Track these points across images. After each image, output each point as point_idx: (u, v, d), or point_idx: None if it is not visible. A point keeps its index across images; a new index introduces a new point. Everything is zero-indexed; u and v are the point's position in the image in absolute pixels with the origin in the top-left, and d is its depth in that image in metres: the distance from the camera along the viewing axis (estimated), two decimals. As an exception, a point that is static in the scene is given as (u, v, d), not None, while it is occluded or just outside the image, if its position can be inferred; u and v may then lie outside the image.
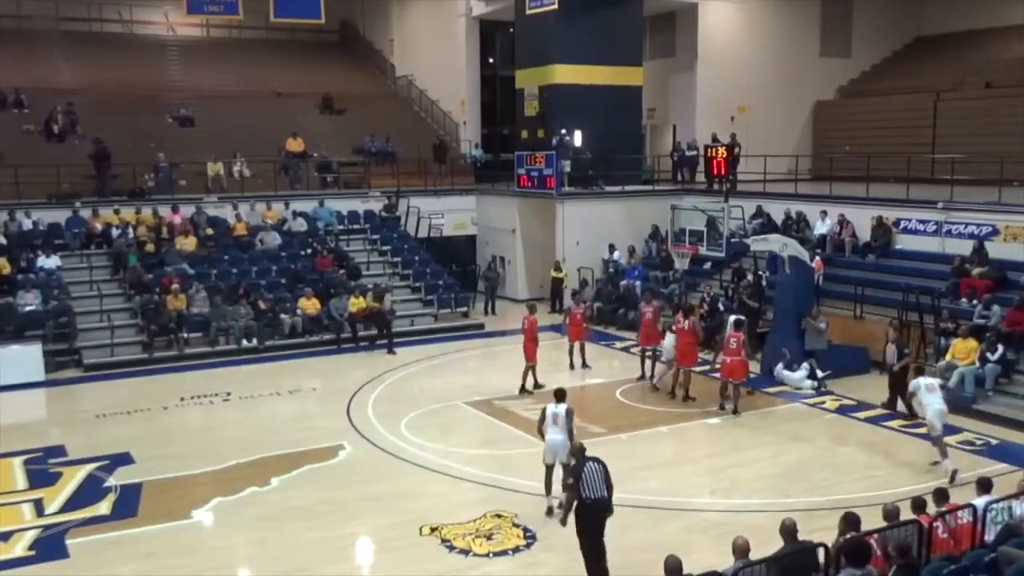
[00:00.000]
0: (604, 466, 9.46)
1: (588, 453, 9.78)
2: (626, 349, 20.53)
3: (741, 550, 7.73)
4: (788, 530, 8.04)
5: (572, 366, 18.77)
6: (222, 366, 19.64)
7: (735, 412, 15.48)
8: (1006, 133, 24.27)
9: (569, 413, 11.43)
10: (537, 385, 17.10)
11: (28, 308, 19.68)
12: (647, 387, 17.42)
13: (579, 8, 25.90)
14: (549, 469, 11.46)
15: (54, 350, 19.21)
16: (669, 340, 16.76)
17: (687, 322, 16.46)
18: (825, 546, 7.87)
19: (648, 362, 17.84)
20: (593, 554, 9.24)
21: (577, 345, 18.85)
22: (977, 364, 15.84)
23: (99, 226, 22.86)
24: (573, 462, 9.77)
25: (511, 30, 29.64)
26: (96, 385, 18.37)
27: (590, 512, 9.24)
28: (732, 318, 16.58)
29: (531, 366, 17.17)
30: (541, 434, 11.58)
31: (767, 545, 8.12)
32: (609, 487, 9.42)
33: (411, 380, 18.57)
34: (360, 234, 25.83)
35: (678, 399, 16.39)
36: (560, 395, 11.68)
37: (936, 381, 13.38)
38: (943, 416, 12.80)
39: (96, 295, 20.94)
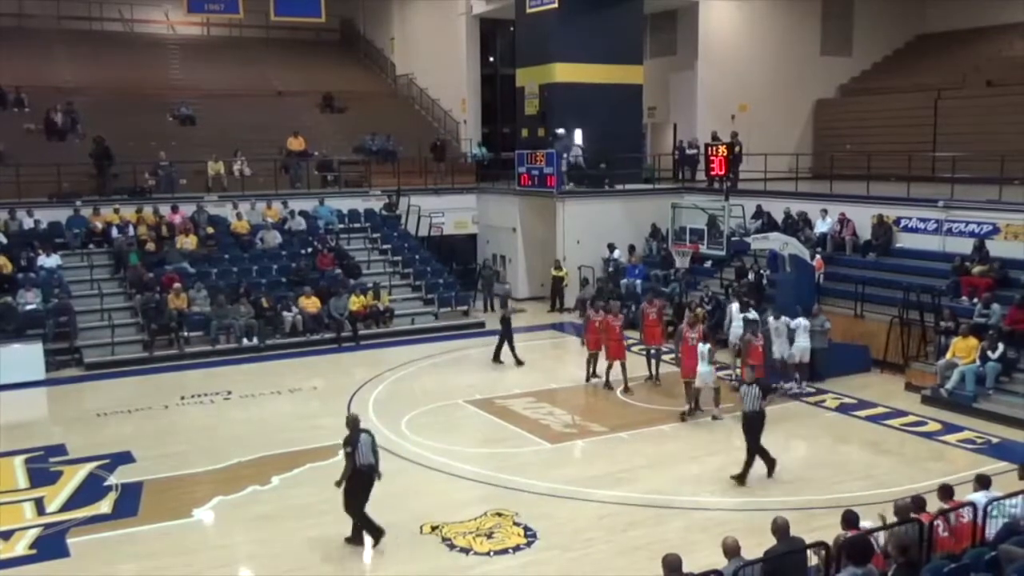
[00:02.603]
0: (373, 438, 10.60)
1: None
2: (627, 348, 20.47)
3: (732, 550, 7.74)
4: (781, 528, 8.10)
5: (609, 384, 17.25)
6: (223, 365, 19.63)
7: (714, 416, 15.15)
8: (1007, 131, 24.17)
9: (711, 350, 15.02)
10: (607, 384, 17.13)
11: (29, 307, 19.68)
12: (652, 386, 17.42)
13: (580, 6, 25.88)
14: (697, 391, 15.18)
15: (55, 349, 19.21)
16: (704, 368, 15.14)
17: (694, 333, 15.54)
18: (826, 545, 7.87)
19: (653, 361, 17.76)
20: (363, 514, 10.51)
21: (592, 356, 17.62)
22: (978, 362, 15.81)
23: (100, 225, 22.88)
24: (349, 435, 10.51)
25: (511, 29, 29.68)
26: (97, 384, 18.36)
27: (364, 477, 10.39)
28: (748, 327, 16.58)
29: (614, 362, 17.09)
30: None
31: (767, 545, 8.09)
32: (376, 456, 10.55)
33: (412, 379, 18.57)
34: (361, 233, 25.85)
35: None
36: (706, 337, 15.26)
37: (736, 306, 17.91)
38: (738, 337, 17.02)
39: (97, 294, 20.95)
